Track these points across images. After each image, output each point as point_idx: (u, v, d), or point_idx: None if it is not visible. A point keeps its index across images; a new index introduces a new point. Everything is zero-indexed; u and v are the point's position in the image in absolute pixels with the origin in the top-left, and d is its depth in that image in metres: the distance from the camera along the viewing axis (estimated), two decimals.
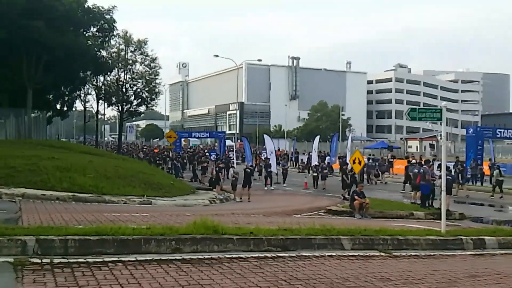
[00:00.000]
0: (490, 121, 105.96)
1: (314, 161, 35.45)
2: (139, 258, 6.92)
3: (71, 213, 11.30)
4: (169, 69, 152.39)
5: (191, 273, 6.42)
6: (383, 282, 6.76)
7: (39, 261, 6.39)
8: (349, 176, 22.27)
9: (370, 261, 8.17)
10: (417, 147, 69.23)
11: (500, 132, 33.88)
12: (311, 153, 38.65)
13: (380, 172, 31.89)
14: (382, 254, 8.87)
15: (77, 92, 45.81)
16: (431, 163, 21.05)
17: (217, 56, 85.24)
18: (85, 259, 6.69)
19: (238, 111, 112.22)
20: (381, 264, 8.07)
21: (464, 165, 30.83)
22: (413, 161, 26.07)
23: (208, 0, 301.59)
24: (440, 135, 12.97)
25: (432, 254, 9.35)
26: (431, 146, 61.33)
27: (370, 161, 32.07)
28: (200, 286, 5.86)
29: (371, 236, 9.44)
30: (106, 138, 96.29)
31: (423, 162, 21.54)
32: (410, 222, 14.68)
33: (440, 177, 16.02)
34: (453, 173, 23.06)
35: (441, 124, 12.29)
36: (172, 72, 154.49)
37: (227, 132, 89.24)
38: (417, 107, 12.95)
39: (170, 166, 33.91)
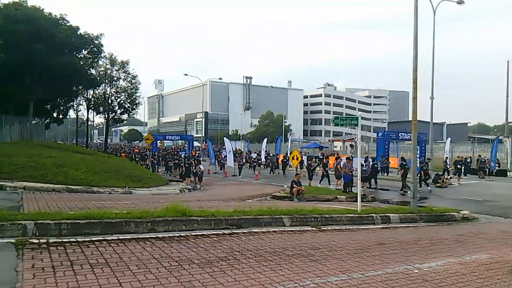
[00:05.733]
0: (394, 127, 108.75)
1: (263, 157, 35.90)
2: (120, 237, 6.74)
3: (65, 202, 10.85)
4: (148, 84, 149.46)
5: (163, 248, 6.31)
6: (313, 250, 6.87)
7: (37, 241, 6.11)
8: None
9: (304, 234, 8.29)
10: (340, 146, 70.96)
11: (402, 135, 34.91)
12: (260, 151, 38.77)
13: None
14: (313, 228, 9.00)
15: (71, 103, 44.46)
16: (351, 159, 21.38)
17: (186, 75, 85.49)
18: (75, 238, 6.45)
19: (203, 119, 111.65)
20: (312, 236, 8.19)
21: (375, 160, 31.82)
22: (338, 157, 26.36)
23: (181, 32, 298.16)
24: (357, 137, 13.30)
25: (351, 227, 9.58)
26: (351, 146, 62.90)
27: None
28: (170, 258, 5.77)
29: (305, 215, 9.56)
30: (95, 141, 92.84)
31: (344, 158, 21.65)
32: (335, 204, 14.92)
33: (357, 169, 16.50)
34: (365, 167, 23.15)
35: (357, 129, 12.66)
36: (150, 87, 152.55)
37: (195, 135, 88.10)
38: (340, 116, 13.19)
39: (147, 162, 33.15)
